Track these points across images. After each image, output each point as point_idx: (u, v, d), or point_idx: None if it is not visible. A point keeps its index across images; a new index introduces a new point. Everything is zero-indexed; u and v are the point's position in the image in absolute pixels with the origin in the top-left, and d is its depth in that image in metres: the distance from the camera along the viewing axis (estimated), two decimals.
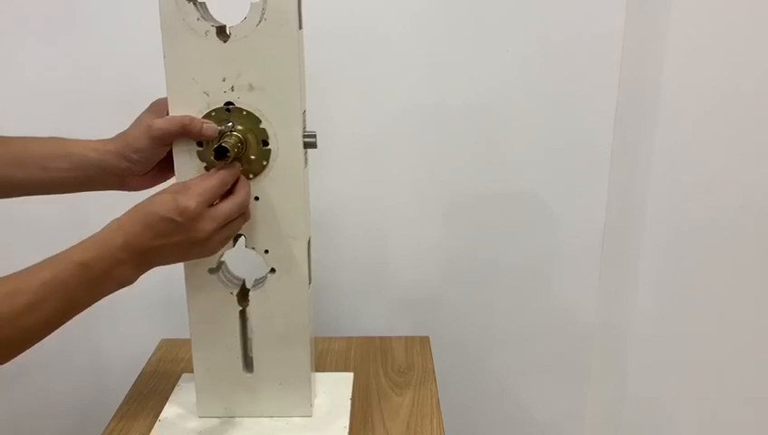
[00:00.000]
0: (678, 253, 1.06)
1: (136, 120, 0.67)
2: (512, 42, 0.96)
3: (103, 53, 0.95)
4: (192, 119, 0.63)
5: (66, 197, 0.69)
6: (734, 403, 1.14)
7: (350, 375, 0.84)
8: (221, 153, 0.61)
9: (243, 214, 0.65)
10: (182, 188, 0.61)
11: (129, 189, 0.68)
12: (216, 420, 0.74)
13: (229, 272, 0.72)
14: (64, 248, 0.57)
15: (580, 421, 1.14)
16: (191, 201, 0.59)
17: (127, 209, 0.60)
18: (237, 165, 0.64)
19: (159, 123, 0.63)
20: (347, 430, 0.73)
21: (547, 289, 1.07)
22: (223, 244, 0.64)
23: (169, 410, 0.76)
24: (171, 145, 0.65)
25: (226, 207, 0.62)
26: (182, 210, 0.58)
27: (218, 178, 0.62)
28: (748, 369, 1.12)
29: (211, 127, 0.64)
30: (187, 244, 0.60)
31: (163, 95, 0.65)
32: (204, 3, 0.64)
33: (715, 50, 0.97)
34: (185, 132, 0.63)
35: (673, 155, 1.01)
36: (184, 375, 0.83)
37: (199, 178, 0.62)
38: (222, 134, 0.64)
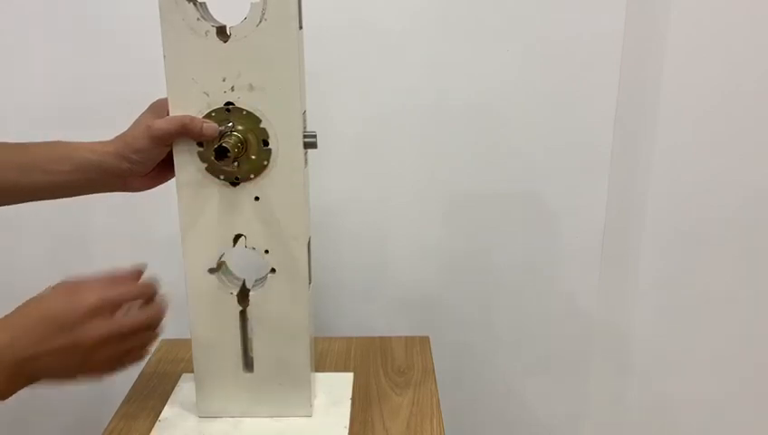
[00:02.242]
0: (678, 253, 1.06)
1: (136, 121, 0.67)
2: (512, 42, 0.96)
3: (103, 53, 0.94)
4: (192, 119, 0.63)
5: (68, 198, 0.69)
6: (735, 403, 1.14)
7: (350, 375, 0.84)
8: (221, 153, 0.61)
9: (149, 332, 0.57)
10: (79, 282, 0.53)
11: (131, 190, 0.68)
12: (216, 420, 0.74)
13: (229, 272, 0.72)
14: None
15: (580, 421, 1.14)
16: (90, 296, 0.52)
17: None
18: (155, 283, 0.57)
19: (159, 123, 0.63)
20: (347, 430, 0.73)
21: (547, 289, 1.07)
22: (112, 365, 0.55)
23: (169, 411, 0.76)
24: (171, 145, 0.65)
25: (132, 315, 0.55)
26: (76, 304, 0.51)
27: (127, 288, 0.55)
28: (748, 369, 1.12)
29: (211, 127, 0.63)
30: (68, 351, 0.52)
31: (163, 96, 0.65)
32: (204, 3, 0.64)
33: (715, 50, 0.97)
34: (185, 132, 0.63)
35: (673, 155, 1.02)
36: (184, 375, 0.83)
37: (104, 279, 0.55)
38: (222, 134, 0.64)
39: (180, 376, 0.83)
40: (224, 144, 0.61)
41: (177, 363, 0.87)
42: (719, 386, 1.13)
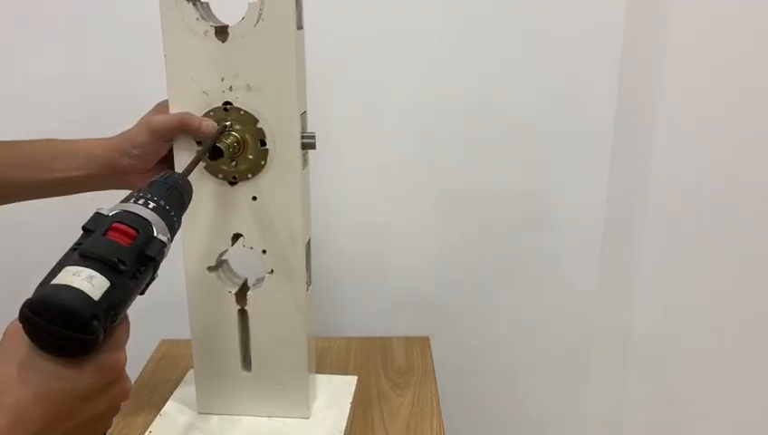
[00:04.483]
0: (678, 252, 1.06)
1: (139, 120, 0.68)
2: (512, 42, 0.96)
3: (104, 53, 0.95)
4: (191, 116, 0.64)
5: (69, 198, 0.69)
6: (735, 403, 1.13)
7: (354, 379, 0.82)
8: (215, 153, 0.61)
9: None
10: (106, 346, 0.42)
11: (131, 187, 0.69)
12: (215, 417, 0.74)
13: (230, 271, 0.73)
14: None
15: (580, 421, 1.14)
16: (124, 355, 0.43)
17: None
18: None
19: (159, 118, 0.64)
20: (342, 434, 0.72)
21: (547, 289, 1.07)
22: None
23: (171, 405, 0.76)
24: (171, 142, 0.66)
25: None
26: (114, 371, 0.42)
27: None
28: (749, 368, 1.12)
29: (210, 124, 0.64)
30: (97, 416, 0.43)
31: (166, 97, 0.66)
32: (207, 3, 0.64)
33: (715, 49, 0.97)
34: (184, 129, 0.64)
35: (673, 154, 1.01)
36: (191, 371, 0.83)
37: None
38: (220, 133, 0.64)
39: (181, 375, 0.83)
40: (218, 144, 0.61)
41: (178, 363, 0.88)
42: (719, 385, 1.13)
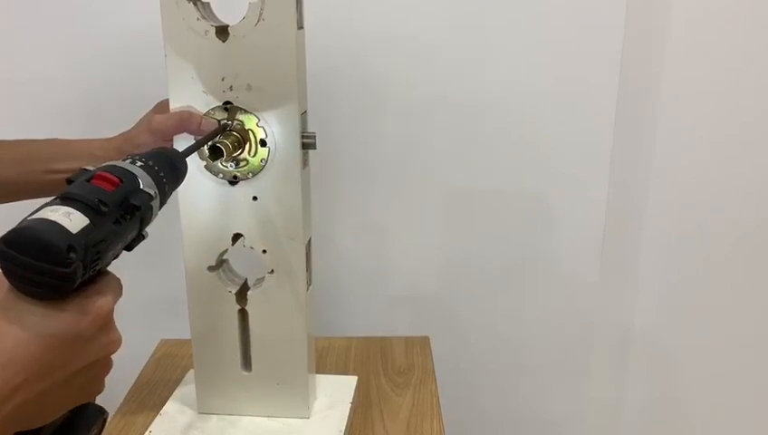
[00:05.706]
0: (678, 252, 1.06)
1: (140, 120, 0.68)
2: (512, 41, 0.96)
3: (104, 53, 0.95)
4: (191, 114, 0.64)
5: None
6: (735, 403, 1.13)
7: (354, 379, 0.82)
8: (215, 152, 0.61)
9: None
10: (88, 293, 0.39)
11: None
12: (215, 417, 0.74)
13: (231, 270, 0.73)
14: None
15: (580, 421, 1.14)
16: (110, 300, 0.40)
17: None
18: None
19: (159, 118, 0.64)
20: (342, 434, 0.72)
21: (547, 289, 1.07)
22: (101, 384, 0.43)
23: (171, 405, 0.76)
24: (172, 141, 0.66)
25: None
26: (98, 315, 0.39)
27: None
28: (749, 369, 1.12)
29: (210, 123, 0.64)
30: (87, 371, 0.40)
31: (166, 97, 0.66)
32: (207, 3, 0.64)
33: (716, 49, 0.97)
34: (183, 127, 0.64)
35: (673, 155, 1.01)
36: (191, 371, 0.83)
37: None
38: (220, 132, 0.64)
39: (181, 375, 0.83)
40: (218, 144, 0.61)
41: (178, 363, 0.87)
42: (719, 384, 1.13)
